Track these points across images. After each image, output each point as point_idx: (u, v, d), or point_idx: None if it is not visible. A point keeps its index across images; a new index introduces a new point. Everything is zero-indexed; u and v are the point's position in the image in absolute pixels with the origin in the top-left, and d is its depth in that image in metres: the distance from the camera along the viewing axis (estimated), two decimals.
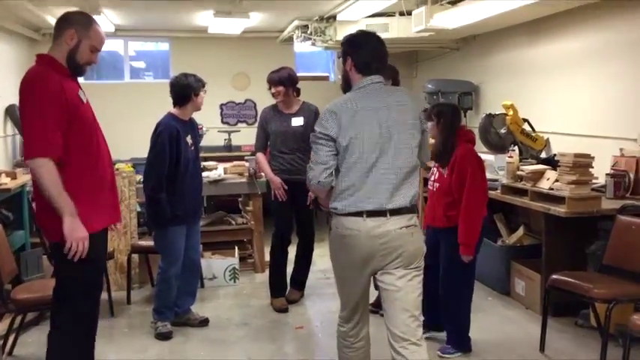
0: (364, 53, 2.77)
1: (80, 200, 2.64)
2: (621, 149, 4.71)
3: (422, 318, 2.76)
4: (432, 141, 3.53)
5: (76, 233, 2.58)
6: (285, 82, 4.66)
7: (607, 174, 4.51)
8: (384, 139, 2.65)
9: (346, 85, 2.85)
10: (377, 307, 3.90)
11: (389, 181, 2.65)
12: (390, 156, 2.65)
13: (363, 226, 2.64)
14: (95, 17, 6.35)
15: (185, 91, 4.15)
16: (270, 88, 4.75)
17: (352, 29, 4.57)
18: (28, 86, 2.64)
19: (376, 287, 2.82)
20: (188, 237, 4.28)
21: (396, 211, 2.65)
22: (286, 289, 4.92)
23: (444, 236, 3.69)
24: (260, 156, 4.86)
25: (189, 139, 4.20)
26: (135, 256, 5.19)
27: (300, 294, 5.00)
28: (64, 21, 2.75)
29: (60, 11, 6.48)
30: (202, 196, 4.59)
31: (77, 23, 2.74)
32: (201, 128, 4.64)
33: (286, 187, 4.67)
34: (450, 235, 3.63)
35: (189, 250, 4.32)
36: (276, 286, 4.87)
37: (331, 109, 2.70)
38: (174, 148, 4.09)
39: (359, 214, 2.64)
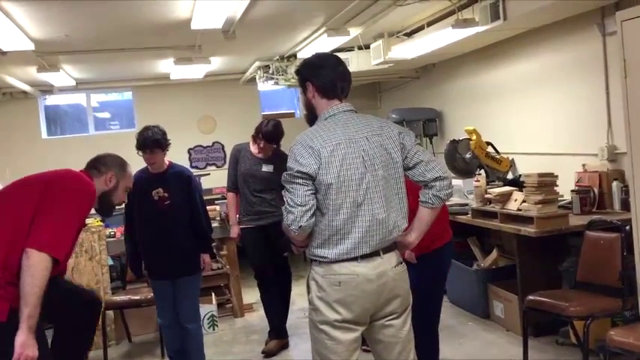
0: (325, 73, 2.52)
1: None
2: (584, 165, 4.82)
3: None
4: None
5: (27, 350, 2.38)
6: (278, 141, 4.70)
7: (572, 190, 4.60)
8: (370, 173, 2.40)
9: (312, 116, 2.58)
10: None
11: (382, 220, 2.41)
12: (379, 191, 2.41)
13: (358, 269, 2.39)
14: (54, 73, 6.36)
15: None
16: (257, 137, 4.68)
17: None
18: (75, 185, 2.67)
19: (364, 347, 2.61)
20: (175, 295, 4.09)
21: (388, 248, 2.47)
22: (278, 329, 4.81)
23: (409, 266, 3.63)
24: (230, 197, 4.86)
25: (156, 193, 3.97)
26: (110, 313, 5.08)
27: (281, 343, 4.78)
28: (102, 164, 2.89)
29: (19, 71, 6.50)
30: (183, 253, 4.00)
31: (114, 165, 2.89)
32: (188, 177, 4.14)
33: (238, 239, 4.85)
34: (414, 264, 3.61)
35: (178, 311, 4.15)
36: (270, 327, 4.83)
37: (306, 143, 2.40)
38: (131, 199, 3.95)
39: (353, 259, 2.40)
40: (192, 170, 4.71)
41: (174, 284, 4.04)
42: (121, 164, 2.93)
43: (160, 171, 4.03)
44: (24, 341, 2.37)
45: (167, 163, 4.07)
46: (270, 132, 4.62)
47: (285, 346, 4.79)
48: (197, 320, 4.20)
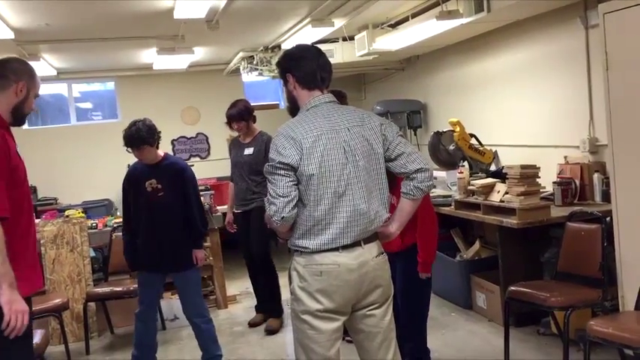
0: (306, 64, 2.53)
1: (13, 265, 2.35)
2: (565, 157, 4.85)
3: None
4: None
5: (16, 305, 2.26)
6: (245, 116, 4.87)
7: (554, 182, 4.63)
8: (351, 164, 2.41)
9: (294, 107, 2.60)
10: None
11: (363, 211, 2.42)
12: (360, 182, 2.42)
13: (340, 259, 2.40)
14: (34, 63, 6.28)
15: None
16: (230, 125, 4.90)
17: None
18: None
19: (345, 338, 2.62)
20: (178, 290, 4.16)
21: (369, 239, 2.48)
22: (264, 303, 5.13)
23: (401, 259, 3.67)
24: (230, 187, 5.17)
25: (150, 184, 3.93)
26: (92, 304, 5.04)
27: (279, 321, 5.00)
28: (12, 72, 2.54)
29: None
30: (174, 247, 3.97)
31: (25, 74, 2.59)
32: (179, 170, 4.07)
33: (235, 226, 5.09)
34: (406, 257, 3.62)
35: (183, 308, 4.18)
36: (256, 299, 5.20)
37: (288, 134, 2.41)
38: (126, 190, 4.07)
39: (334, 249, 2.41)
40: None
41: (164, 279, 4.05)
42: (30, 72, 2.61)
43: (154, 162, 3.99)
44: (8, 298, 2.25)
45: (162, 154, 4.04)
46: (232, 111, 4.89)
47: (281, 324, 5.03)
48: (203, 315, 4.11)
